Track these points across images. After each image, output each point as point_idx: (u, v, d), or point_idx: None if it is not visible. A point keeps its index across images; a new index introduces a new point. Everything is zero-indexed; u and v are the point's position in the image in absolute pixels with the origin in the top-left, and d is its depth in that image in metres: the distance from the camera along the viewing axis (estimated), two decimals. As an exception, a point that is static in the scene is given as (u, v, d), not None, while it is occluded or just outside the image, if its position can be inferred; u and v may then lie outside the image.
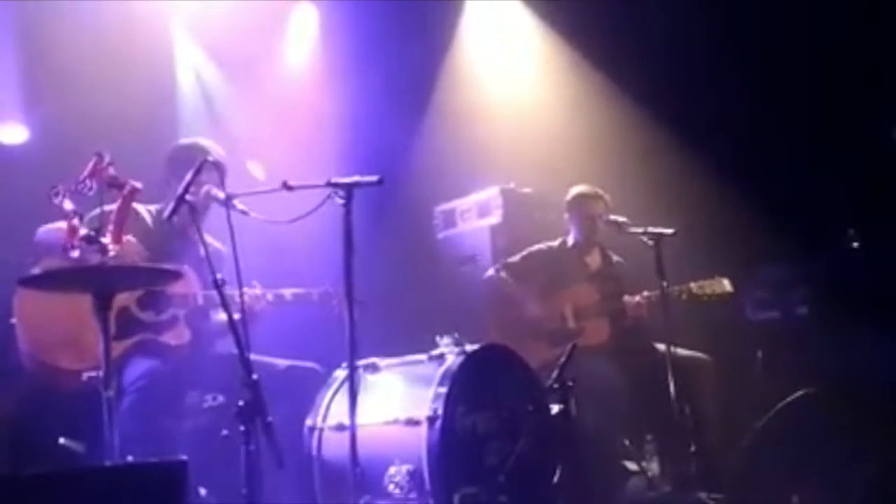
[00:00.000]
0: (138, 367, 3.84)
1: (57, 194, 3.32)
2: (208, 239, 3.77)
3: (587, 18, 6.04)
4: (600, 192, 5.25)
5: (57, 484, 2.63)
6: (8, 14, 5.01)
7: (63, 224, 3.74)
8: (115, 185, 3.38)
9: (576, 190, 5.32)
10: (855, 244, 5.38)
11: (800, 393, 4.32)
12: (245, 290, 3.59)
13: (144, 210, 4.20)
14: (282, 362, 4.24)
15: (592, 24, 6.02)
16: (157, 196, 4.17)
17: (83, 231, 3.30)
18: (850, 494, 3.94)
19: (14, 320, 3.83)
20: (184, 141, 4.39)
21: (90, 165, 3.35)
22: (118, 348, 3.68)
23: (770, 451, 4.24)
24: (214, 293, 3.97)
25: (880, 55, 5.37)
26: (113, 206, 3.41)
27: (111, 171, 3.36)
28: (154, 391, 3.79)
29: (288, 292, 4.21)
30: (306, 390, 4.14)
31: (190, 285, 4.04)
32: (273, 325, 4.18)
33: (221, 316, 4.09)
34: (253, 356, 3.34)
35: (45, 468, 3.63)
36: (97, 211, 3.44)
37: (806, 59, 5.61)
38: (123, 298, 3.79)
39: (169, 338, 4.02)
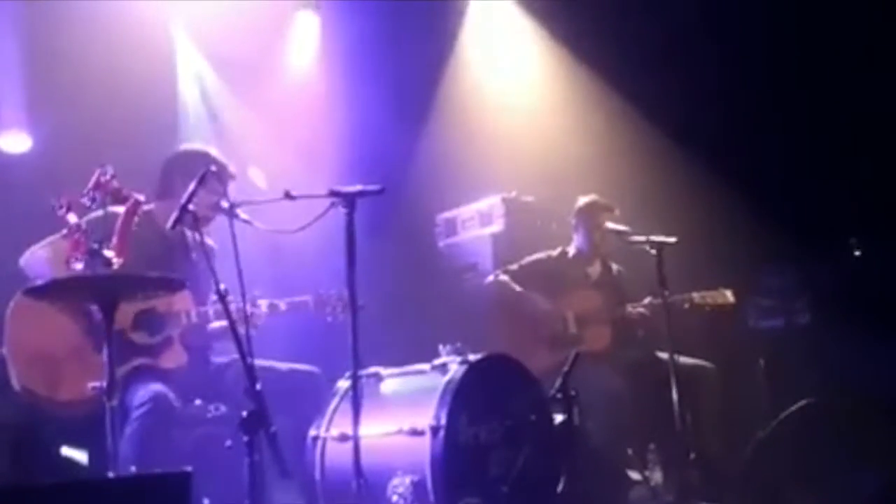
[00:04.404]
0: (140, 392, 3.79)
1: (61, 207, 3.32)
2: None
3: (590, 27, 6.05)
4: (612, 204, 5.23)
5: (60, 496, 2.61)
6: (11, 23, 5.01)
7: (44, 252, 3.80)
8: (118, 197, 3.38)
9: (588, 198, 5.30)
10: (857, 252, 5.38)
11: (802, 402, 4.32)
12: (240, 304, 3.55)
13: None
14: (282, 365, 4.22)
15: (595, 32, 6.02)
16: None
17: (86, 245, 3.30)
18: (852, 504, 3.94)
19: (4, 350, 3.81)
20: (186, 146, 4.34)
21: (93, 178, 3.36)
22: (116, 374, 3.63)
23: (773, 461, 4.23)
24: (208, 310, 4.00)
25: (887, 59, 5.36)
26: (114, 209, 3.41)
27: (114, 183, 3.37)
28: (158, 417, 3.74)
29: (283, 303, 4.14)
30: (307, 394, 4.13)
31: (183, 300, 3.99)
32: (273, 331, 4.16)
33: (217, 322, 4.08)
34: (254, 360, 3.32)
35: (48, 479, 3.63)
36: (99, 213, 3.44)
37: (810, 64, 5.60)
38: (118, 322, 3.68)
39: (165, 361, 3.97)
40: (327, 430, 3.95)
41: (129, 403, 3.74)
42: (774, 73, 5.76)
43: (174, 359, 3.99)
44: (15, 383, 3.80)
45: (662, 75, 5.81)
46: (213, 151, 4.24)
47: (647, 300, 5.00)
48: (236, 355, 3.31)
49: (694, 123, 5.75)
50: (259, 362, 3.43)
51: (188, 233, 4.11)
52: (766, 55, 5.75)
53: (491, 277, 5.39)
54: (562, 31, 6.32)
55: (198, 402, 4.10)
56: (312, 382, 4.21)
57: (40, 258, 3.87)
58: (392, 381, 4.13)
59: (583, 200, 5.31)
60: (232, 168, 4.20)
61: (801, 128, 5.66)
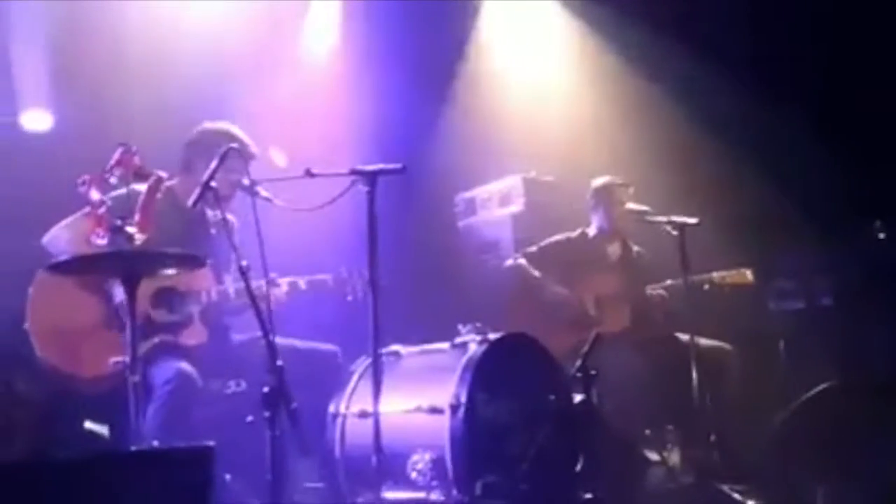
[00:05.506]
0: (166, 370, 3.81)
1: (83, 184, 3.34)
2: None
3: (611, 7, 6.01)
4: (627, 182, 5.23)
5: (82, 469, 2.62)
6: (35, 2, 5.02)
7: (65, 232, 3.86)
8: (141, 174, 3.40)
9: (605, 179, 5.30)
10: (881, 235, 5.33)
11: (823, 385, 4.30)
12: (262, 283, 3.58)
13: None
14: (302, 344, 4.23)
15: (619, 12, 5.98)
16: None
17: (109, 221, 3.31)
18: (876, 488, 3.91)
19: (27, 326, 3.85)
20: (208, 124, 4.32)
21: (116, 155, 3.38)
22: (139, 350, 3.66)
23: (794, 444, 4.21)
24: (228, 288, 4.03)
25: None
26: (137, 187, 3.43)
27: (137, 160, 3.38)
28: (182, 395, 3.76)
29: (302, 281, 4.17)
30: (327, 373, 4.15)
31: (203, 277, 4.02)
32: (293, 309, 4.18)
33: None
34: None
35: (70, 453, 3.67)
36: (123, 191, 3.46)
37: (835, 47, 5.55)
38: (138, 301, 3.66)
39: (186, 338, 4.01)
40: (347, 406, 3.98)
41: (152, 381, 3.76)
42: (801, 55, 5.69)
43: (195, 336, 4.02)
44: (38, 357, 3.84)
45: (684, 55, 5.76)
46: (235, 129, 4.24)
47: (668, 282, 4.99)
48: (257, 333, 3.33)
49: (716, 103, 5.70)
50: (279, 340, 3.46)
51: (208, 209, 4.13)
52: (794, 38, 5.68)
53: (509, 261, 5.38)
54: (585, 10, 6.28)
55: (220, 378, 4.12)
56: (332, 361, 4.24)
57: (61, 238, 3.91)
58: (412, 360, 4.15)
59: (599, 181, 5.31)
60: (253, 147, 4.20)
61: (826, 110, 5.61)
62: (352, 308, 4.07)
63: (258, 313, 3.29)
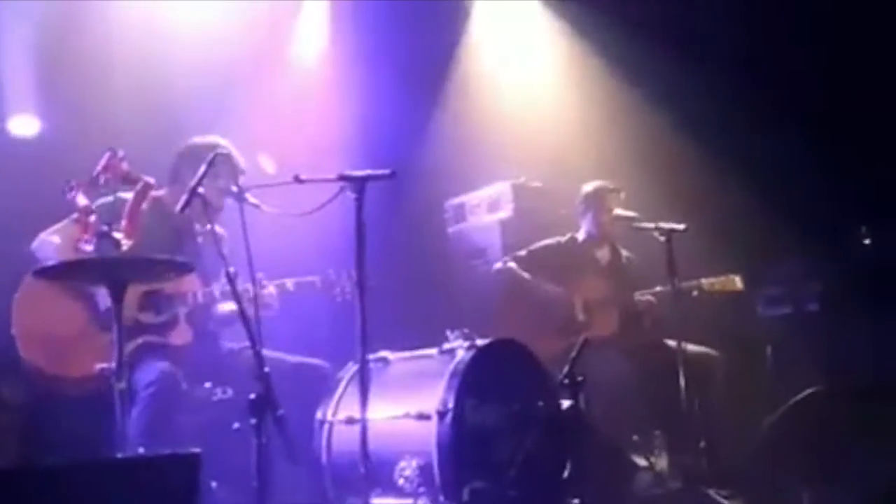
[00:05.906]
0: (149, 372, 3.81)
1: (71, 189, 3.34)
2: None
3: (600, 13, 6.03)
4: (618, 187, 5.25)
5: (69, 476, 2.62)
6: (23, 6, 5.01)
7: (53, 238, 3.84)
8: (128, 180, 3.40)
9: (596, 183, 5.32)
10: (866, 241, 5.36)
11: (810, 390, 4.32)
12: (248, 286, 3.59)
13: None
14: (291, 358, 4.24)
15: (605, 18, 6.00)
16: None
17: (96, 227, 3.31)
18: (861, 491, 3.94)
19: (13, 331, 3.84)
20: (198, 139, 4.34)
21: (103, 161, 3.38)
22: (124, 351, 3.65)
23: (780, 449, 4.24)
24: (214, 290, 4.03)
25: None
26: (125, 195, 3.43)
27: (124, 166, 3.38)
28: (165, 398, 3.77)
29: (290, 282, 4.17)
30: (315, 387, 4.14)
31: (190, 282, 4.02)
32: (281, 318, 4.17)
33: (225, 306, 4.10)
34: (263, 351, 3.34)
35: (55, 460, 3.66)
36: (109, 199, 3.45)
37: (822, 55, 5.58)
38: (125, 304, 3.64)
39: (173, 338, 4.02)
40: (334, 413, 3.97)
41: (136, 383, 3.77)
42: (787, 64, 5.73)
43: (181, 336, 4.04)
44: (23, 360, 3.84)
45: (674, 63, 5.79)
46: (224, 142, 4.24)
47: (657, 287, 5.00)
48: (247, 343, 3.32)
49: (704, 111, 5.73)
50: (269, 353, 3.45)
51: (196, 223, 4.15)
52: (781, 46, 5.72)
53: (499, 265, 5.39)
54: (574, 16, 6.30)
55: (206, 384, 4.12)
56: (321, 376, 4.23)
57: (49, 245, 3.90)
58: (400, 366, 4.14)
59: (590, 185, 5.33)
60: (242, 161, 4.21)
61: (813, 115, 5.64)
62: (340, 315, 4.06)
63: (244, 318, 3.29)
